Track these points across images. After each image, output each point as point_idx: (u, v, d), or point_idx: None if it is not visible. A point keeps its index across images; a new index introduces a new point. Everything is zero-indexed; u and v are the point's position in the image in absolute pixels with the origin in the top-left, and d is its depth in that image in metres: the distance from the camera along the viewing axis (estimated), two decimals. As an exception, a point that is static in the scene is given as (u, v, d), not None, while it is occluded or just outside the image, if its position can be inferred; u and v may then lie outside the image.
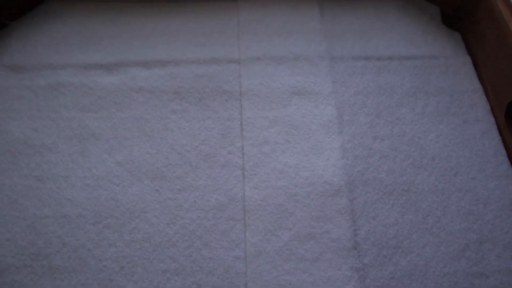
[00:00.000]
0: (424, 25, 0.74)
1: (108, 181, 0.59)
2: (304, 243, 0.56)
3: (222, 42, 0.71)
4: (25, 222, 0.57)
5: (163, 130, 0.63)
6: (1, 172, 0.60)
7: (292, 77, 0.68)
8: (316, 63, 0.69)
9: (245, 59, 0.69)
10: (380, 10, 0.76)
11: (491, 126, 0.65)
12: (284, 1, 0.75)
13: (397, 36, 0.73)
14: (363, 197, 0.59)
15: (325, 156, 0.61)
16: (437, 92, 0.68)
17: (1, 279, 0.54)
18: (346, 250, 0.55)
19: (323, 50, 0.70)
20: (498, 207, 0.59)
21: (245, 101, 0.65)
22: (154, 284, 0.53)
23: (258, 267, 0.54)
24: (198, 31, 0.72)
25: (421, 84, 0.69)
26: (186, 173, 0.60)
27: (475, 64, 0.71)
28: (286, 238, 0.56)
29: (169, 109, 0.65)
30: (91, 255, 0.55)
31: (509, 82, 0.63)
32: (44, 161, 0.61)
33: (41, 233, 0.56)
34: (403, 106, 0.67)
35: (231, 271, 0.54)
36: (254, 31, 0.72)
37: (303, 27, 0.73)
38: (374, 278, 0.54)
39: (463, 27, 0.74)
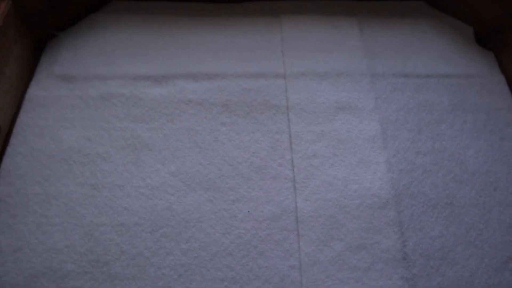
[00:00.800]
0: (459, 44, 0.77)
1: (162, 191, 0.61)
2: (356, 253, 0.58)
3: (267, 57, 0.73)
4: (83, 229, 0.58)
5: (214, 142, 0.65)
6: (57, 180, 0.62)
7: (336, 93, 0.70)
8: (358, 79, 0.72)
9: (290, 74, 0.71)
10: (416, 29, 0.78)
11: (526, 143, 0.68)
12: (324, 18, 0.78)
13: (434, 54, 0.76)
14: (409, 209, 0.61)
15: (371, 169, 0.63)
16: (474, 109, 0.71)
17: (62, 284, 0.55)
18: (396, 261, 0.57)
19: (364, 67, 0.73)
20: (538, 222, 0.62)
21: (292, 115, 0.68)
22: None
23: (312, 276, 0.56)
24: (243, 46, 0.74)
25: (459, 101, 0.71)
26: (239, 184, 0.62)
27: (509, 83, 0.74)
28: (338, 249, 0.58)
29: (218, 122, 0.67)
30: (149, 263, 0.57)
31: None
32: (98, 170, 0.63)
33: (99, 240, 0.58)
34: (443, 123, 0.69)
35: (286, 280, 0.56)
36: (298, 47, 0.74)
37: (344, 44, 0.75)
38: (424, 288, 0.56)
39: (496, 47, 0.77)
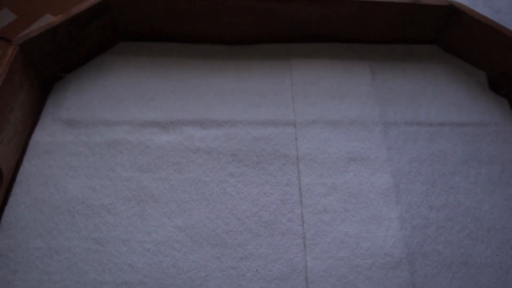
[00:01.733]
0: (472, 90, 0.76)
1: (168, 247, 0.59)
2: (368, 318, 0.56)
3: (276, 104, 0.72)
4: (85, 287, 0.57)
5: (222, 194, 0.64)
6: (60, 233, 0.60)
7: (348, 143, 0.68)
8: (370, 128, 0.70)
9: (300, 122, 0.70)
10: (429, 74, 0.77)
11: (543, 197, 0.66)
12: (335, 62, 0.76)
13: (447, 101, 0.74)
14: (423, 269, 0.59)
15: (384, 226, 0.62)
16: (488, 160, 0.69)
17: None
18: (409, 326, 0.55)
19: (377, 115, 0.71)
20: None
21: (302, 166, 0.66)
22: None
23: None
24: (253, 91, 0.73)
25: (473, 152, 0.70)
26: (247, 241, 0.60)
27: (524, 132, 0.72)
28: (350, 312, 0.56)
29: (227, 172, 0.65)
30: (154, 325, 0.55)
31: None
32: (102, 223, 0.61)
33: (102, 299, 0.56)
34: (457, 175, 0.67)
35: None
36: (308, 93, 0.73)
37: (355, 90, 0.74)
38: None
39: (511, 93, 0.76)
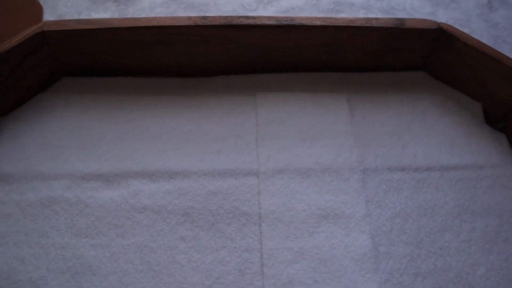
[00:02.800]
0: (466, 125, 0.66)
1: (106, 332, 0.50)
2: None
3: (238, 149, 0.62)
4: None
5: (170, 263, 0.55)
6: (-19, 317, 0.51)
7: (319, 196, 0.59)
8: (346, 176, 0.60)
9: (265, 171, 0.60)
10: (416, 106, 0.67)
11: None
12: (308, 95, 0.67)
13: (437, 139, 0.64)
14: None
15: (360, 301, 0.52)
16: (484, 212, 0.59)
17: None
18: None
19: (355, 160, 0.61)
20: None
21: (265, 226, 0.57)
22: None
23: None
24: (212, 134, 0.63)
25: (466, 202, 0.60)
26: (198, 323, 0.51)
27: (526, 175, 0.62)
28: None
29: (177, 236, 0.56)
30: None
31: None
32: (30, 302, 0.52)
33: None
34: (447, 231, 0.58)
35: None
36: (275, 135, 0.63)
37: (330, 129, 0.64)
38: None
39: (510, 127, 0.66)
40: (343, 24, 0.62)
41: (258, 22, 0.61)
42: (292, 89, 0.67)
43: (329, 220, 0.58)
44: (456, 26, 0.70)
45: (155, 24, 0.61)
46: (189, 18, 0.62)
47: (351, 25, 0.62)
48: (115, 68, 0.67)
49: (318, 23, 0.62)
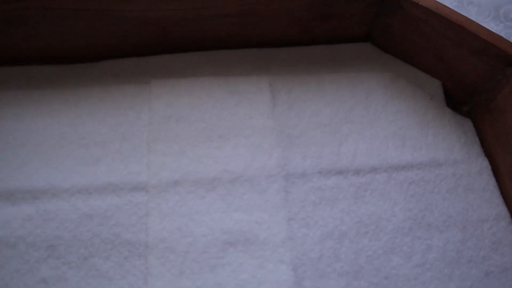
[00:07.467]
0: (422, 110, 0.51)
1: None
2: None
3: (124, 156, 0.48)
4: None
5: (24, 317, 0.40)
6: None
7: (226, 215, 0.45)
8: (263, 187, 0.46)
9: (156, 184, 0.46)
10: (359, 88, 0.52)
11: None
12: (218, 80, 0.52)
13: (384, 131, 0.50)
14: None
15: None
16: (443, 224, 0.46)
17: None
18: None
19: (275, 164, 0.47)
20: None
21: (153, 259, 0.43)
22: None
23: None
24: (91, 137, 0.48)
25: (420, 212, 0.46)
26: None
27: (496, 173, 0.49)
28: None
29: (37, 278, 0.43)
30: None
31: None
32: None
33: None
34: (395, 254, 0.44)
35: None
36: (172, 136, 0.48)
37: (245, 124, 0.49)
38: None
39: (477, 111, 0.51)
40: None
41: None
42: (197, 73, 0.52)
43: (237, 247, 0.43)
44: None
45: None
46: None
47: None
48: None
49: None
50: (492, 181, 0.49)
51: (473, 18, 0.49)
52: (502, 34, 0.59)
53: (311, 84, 0.53)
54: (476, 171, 0.49)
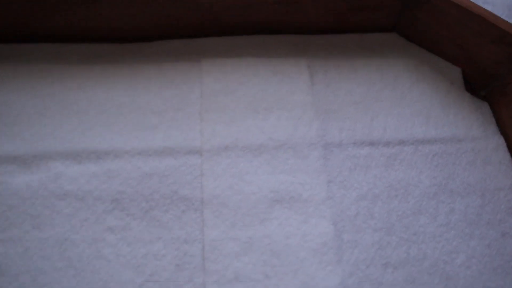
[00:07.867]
0: (443, 93, 0.57)
1: None
2: None
3: (179, 124, 0.53)
4: None
5: (95, 259, 0.46)
6: None
7: (272, 176, 0.50)
8: (305, 153, 0.52)
9: (209, 149, 0.51)
10: (387, 73, 0.58)
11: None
12: (261, 61, 0.58)
13: (410, 109, 0.56)
14: None
15: (319, 299, 0.44)
16: (464, 191, 0.51)
17: None
18: None
19: (314, 134, 0.53)
20: None
21: (208, 213, 0.48)
22: None
23: None
24: (148, 107, 0.54)
25: (444, 180, 0.52)
26: (124, 331, 0.42)
27: (511, 149, 0.54)
28: None
29: (104, 226, 0.47)
30: None
31: None
32: None
33: None
34: (422, 215, 0.50)
35: None
36: (222, 107, 0.54)
37: (287, 99, 0.55)
38: None
39: (493, 95, 0.57)
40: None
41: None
42: (243, 54, 0.58)
43: (283, 204, 0.49)
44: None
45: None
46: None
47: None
48: (35, 32, 0.57)
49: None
50: (507, 156, 0.55)
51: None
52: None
53: (344, 67, 0.59)
54: (493, 147, 0.55)
